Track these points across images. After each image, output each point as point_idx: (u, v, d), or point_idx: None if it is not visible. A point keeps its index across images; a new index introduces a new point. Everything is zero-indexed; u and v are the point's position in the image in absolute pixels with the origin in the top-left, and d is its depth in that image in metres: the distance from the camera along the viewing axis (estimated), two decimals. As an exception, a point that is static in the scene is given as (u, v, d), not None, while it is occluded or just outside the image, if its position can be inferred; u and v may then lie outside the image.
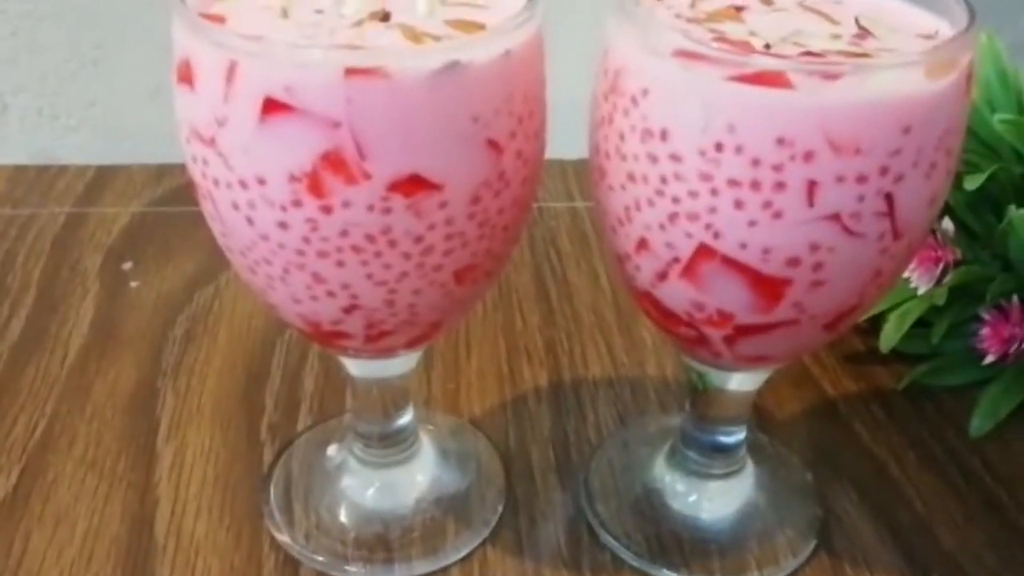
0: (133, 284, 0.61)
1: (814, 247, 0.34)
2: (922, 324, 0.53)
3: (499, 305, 0.60)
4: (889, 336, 0.52)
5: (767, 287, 0.35)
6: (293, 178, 0.32)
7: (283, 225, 0.33)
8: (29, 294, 0.59)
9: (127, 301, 0.59)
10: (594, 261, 0.65)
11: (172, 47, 0.34)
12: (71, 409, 0.52)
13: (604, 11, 0.37)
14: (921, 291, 0.52)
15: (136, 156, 0.83)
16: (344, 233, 0.33)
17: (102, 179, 0.71)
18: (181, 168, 0.69)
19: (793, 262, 0.34)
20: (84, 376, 0.54)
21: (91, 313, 0.58)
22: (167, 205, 0.68)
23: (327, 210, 0.33)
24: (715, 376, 0.42)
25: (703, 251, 0.34)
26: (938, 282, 0.51)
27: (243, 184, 0.33)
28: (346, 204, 0.32)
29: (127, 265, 0.62)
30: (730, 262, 0.34)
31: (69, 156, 0.87)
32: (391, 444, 0.47)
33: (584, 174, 0.72)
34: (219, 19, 0.34)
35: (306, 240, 0.34)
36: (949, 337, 0.52)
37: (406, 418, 0.46)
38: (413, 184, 0.32)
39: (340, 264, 0.34)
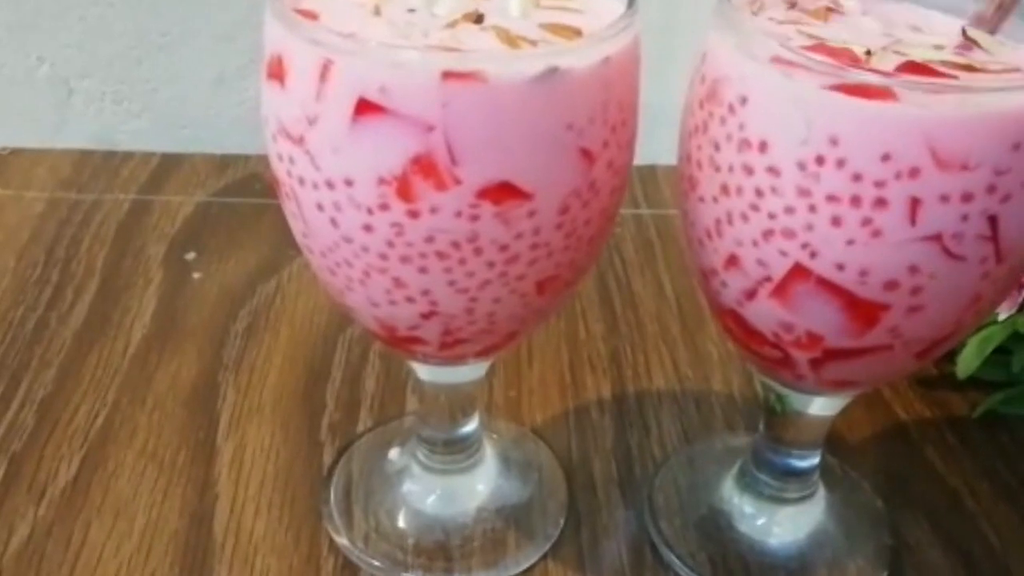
0: (196, 275, 0.60)
1: (913, 270, 0.32)
2: (998, 351, 0.51)
3: (562, 313, 0.59)
4: (968, 362, 0.50)
5: (862, 311, 0.33)
6: (382, 181, 0.31)
7: (368, 228, 0.33)
8: (93, 281, 0.59)
9: (189, 292, 0.59)
10: (659, 270, 0.63)
11: (264, 41, 0.33)
12: (132, 400, 0.52)
13: (703, 18, 0.36)
14: (1002, 317, 0.50)
15: (197, 143, 0.83)
16: (429, 239, 0.32)
17: (167, 167, 0.71)
18: (245, 159, 0.71)
19: (891, 285, 0.33)
20: (146, 367, 0.54)
21: (154, 303, 0.58)
22: (231, 196, 0.68)
23: (414, 215, 0.32)
24: (795, 399, 0.41)
25: (797, 271, 0.33)
26: (1021, 308, 0.50)
27: (330, 185, 0.32)
28: (434, 210, 0.32)
29: (190, 255, 0.62)
30: (825, 283, 0.33)
31: (131, 141, 0.87)
32: (456, 451, 0.46)
33: (650, 180, 0.71)
34: (311, 15, 0.33)
35: (390, 244, 0.33)
36: (1029, 366, 0.51)
37: (472, 425, 0.46)
38: (503, 192, 0.32)
39: (423, 270, 0.33)
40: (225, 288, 0.60)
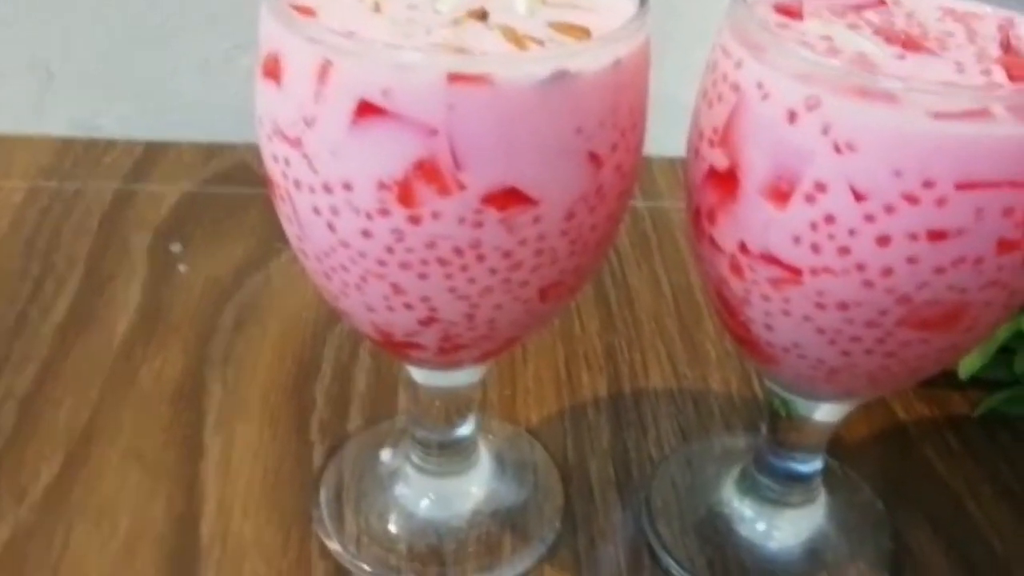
0: (181, 267, 0.59)
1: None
2: (1002, 350, 0.50)
3: (557, 307, 0.58)
4: (971, 362, 0.49)
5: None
6: (382, 186, 0.30)
7: (366, 233, 0.31)
8: (76, 273, 0.58)
9: (175, 285, 0.58)
10: (655, 263, 0.62)
11: (259, 39, 0.32)
12: (116, 396, 0.50)
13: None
14: (1005, 317, 0.49)
15: (182, 130, 0.81)
16: (431, 245, 0.31)
17: (151, 156, 0.69)
18: (232, 147, 0.69)
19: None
20: (130, 362, 0.52)
21: (138, 296, 0.57)
22: (217, 186, 0.66)
23: (415, 220, 0.31)
24: (801, 405, 0.40)
25: None
26: (1024, 309, 0.49)
27: (327, 188, 0.31)
28: (436, 215, 0.30)
29: (175, 247, 0.60)
30: None
31: (113, 127, 0.85)
32: (451, 453, 0.45)
33: (645, 171, 0.70)
34: (308, 11, 0.32)
35: (389, 250, 0.32)
36: (1032, 367, 0.50)
37: (468, 427, 0.45)
38: (508, 197, 0.30)
39: (423, 276, 0.32)
40: (212, 281, 0.58)
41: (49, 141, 0.70)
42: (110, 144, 0.70)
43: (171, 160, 0.68)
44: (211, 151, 0.69)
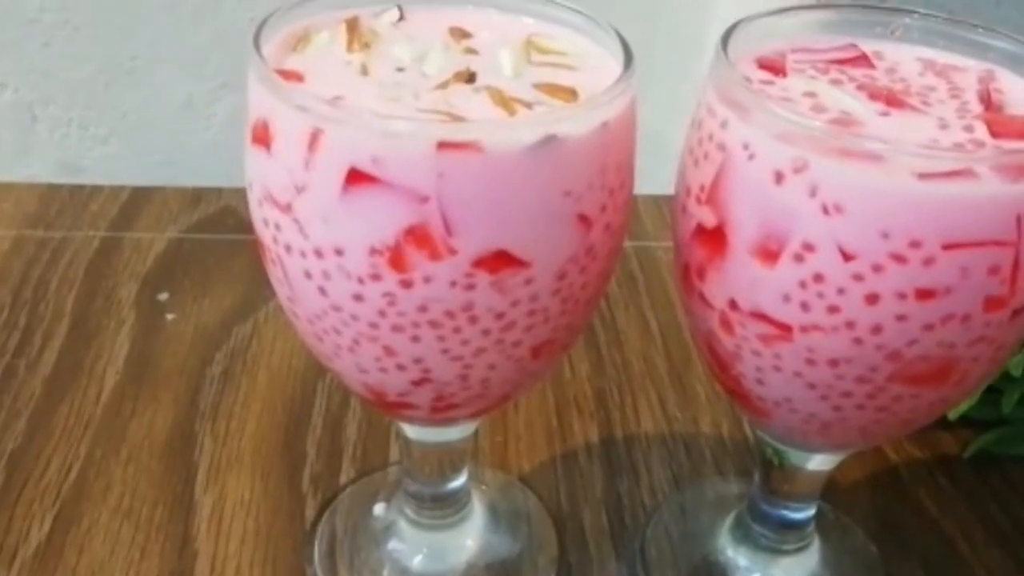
0: (169, 316, 0.59)
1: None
2: (988, 390, 0.51)
3: (546, 351, 0.58)
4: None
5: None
6: (374, 251, 0.30)
7: (358, 297, 0.31)
8: (62, 324, 0.57)
9: (163, 335, 0.57)
10: (643, 305, 0.63)
11: (248, 105, 0.32)
12: (106, 451, 0.50)
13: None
14: (993, 358, 0.50)
15: (166, 171, 0.81)
16: (423, 308, 0.31)
17: (137, 202, 0.69)
18: (218, 192, 0.69)
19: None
20: (119, 416, 0.52)
21: (126, 347, 0.56)
22: (204, 232, 0.66)
23: (407, 285, 0.31)
24: (794, 456, 0.40)
25: None
26: (1011, 349, 0.49)
27: (319, 254, 0.31)
28: (428, 279, 0.30)
29: (163, 296, 0.60)
30: None
31: (98, 168, 0.85)
32: (444, 505, 0.45)
33: (633, 211, 0.70)
34: (296, 76, 0.32)
35: (381, 313, 0.32)
36: (1021, 405, 0.50)
37: (461, 479, 0.44)
38: (499, 261, 0.31)
39: (415, 339, 0.32)
40: (200, 330, 0.58)
41: (34, 188, 0.69)
42: (96, 190, 0.69)
43: (157, 206, 0.68)
44: (197, 196, 0.69)
